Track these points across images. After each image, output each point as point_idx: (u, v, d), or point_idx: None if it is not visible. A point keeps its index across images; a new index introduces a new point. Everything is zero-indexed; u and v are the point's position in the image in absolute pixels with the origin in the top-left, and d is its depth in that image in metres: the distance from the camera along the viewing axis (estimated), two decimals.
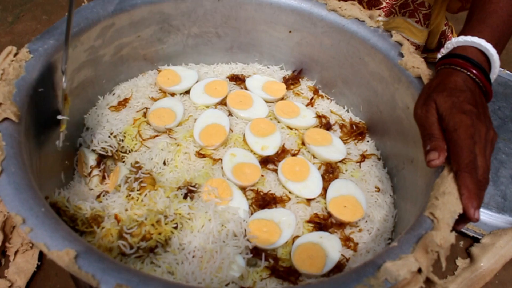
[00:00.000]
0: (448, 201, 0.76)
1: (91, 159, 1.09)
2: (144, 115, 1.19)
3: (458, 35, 0.92)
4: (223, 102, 1.27)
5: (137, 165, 1.05)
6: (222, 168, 1.09)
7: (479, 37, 0.89)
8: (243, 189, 1.07)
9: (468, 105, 0.81)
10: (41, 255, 1.10)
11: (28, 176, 0.76)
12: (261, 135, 1.17)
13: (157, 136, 1.15)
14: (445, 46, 0.94)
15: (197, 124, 1.16)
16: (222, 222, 0.95)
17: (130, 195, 0.97)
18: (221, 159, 1.11)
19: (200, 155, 1.12)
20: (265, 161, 1.13)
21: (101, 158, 1.10)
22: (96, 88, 1.18)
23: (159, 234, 0.89)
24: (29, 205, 0.71)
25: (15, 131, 0.81)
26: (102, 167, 1.09)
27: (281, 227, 0.99)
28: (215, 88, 1.28)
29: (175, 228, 0.92)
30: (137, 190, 0.98)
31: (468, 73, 0.86)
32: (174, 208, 0.95)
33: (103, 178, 1.09)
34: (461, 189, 0.76)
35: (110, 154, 1.11)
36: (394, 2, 1.41)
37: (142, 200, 0.96)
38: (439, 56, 0.95)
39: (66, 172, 1.09)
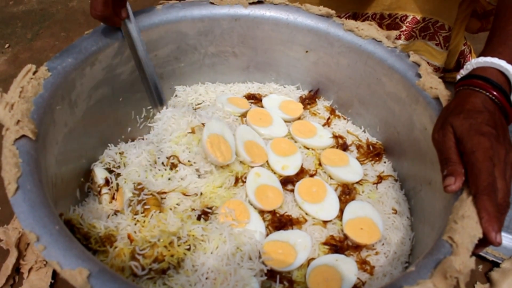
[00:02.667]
0: (467, 225, 0.74)
1: (100, 178, 1.08)
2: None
3: (478, 56, 0.91)
4: (243, 115, 1.28)
5: (139, 186, 1.04)
6: (245, 187, 1.09)
7: (500, 58, 0.87)
8: (261, 211, 1.06)
9: (487, 126, 0.79)
10: (55, 273, 1.09)
11: (43, 193, 0.76)
12: (282, 154, 1.17)
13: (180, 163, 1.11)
14: (464, 67, 0.93)
15: (237, 140, 1.15)
16: (237, 245, 0.94)
17: (135, 218, 0.97)
18: (243, 180, 1.11)
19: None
20: (285, 182, 1.13)
21: (111, 177, 1.10)
22: (113, 105, 1.19)
23: (172, 256, 0.89)
24: (43, 223, 0.71)
25: (32, 148, 0.82)
26: (111, 185, 1.08)
27: (296, 249, 0.98)
28: (237, 102, 1.30)
29: (188, 249, 0.91)
30: (142, 213, 0.97)
31: (488, 94, 0.85)
32: (188, 229, 0.94)
33: (113, 198, 1.08)
34: (480, 213, 0.74)
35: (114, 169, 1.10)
36: (414, 26, 1.41)
37: (149, 222, 0.96)
38: (458, 77, 0.94)
39: (82, 189, 1.09)
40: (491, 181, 0.75)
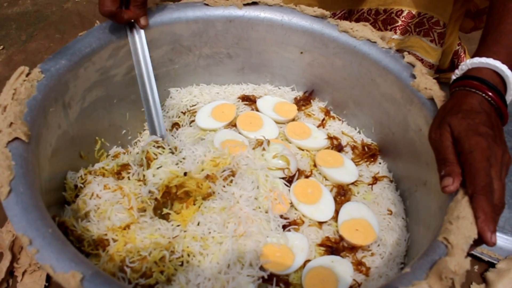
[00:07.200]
0: (462, 226, 0.74)
1: None
2: None
3: (473, 56, 0.90)
4: (232, 124, 1.27)
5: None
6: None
7: (494, 58, 0.87)
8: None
9: (484, 127, 0.79)
10: (49, 276, 1.09)
11: (36, 196, 0.76)
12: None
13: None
14: (459, 67, 0.92)
15: (216, 139, 1.16)
16: (239, 256, 0.92)
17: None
18: None
19: None
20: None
21: None
22: (107, 107, 1.18)
23: (161, 272, 0.86)
24: (36, 226, 0.70)
25: (25, 151, 0.81)
26: None
27: (294, 251, 0.98)
28: (223, 111, 1.28)
29: (181, 265, 0.89)
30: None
31: (484, 95, 0.85)
32: (184, 246, 0.91)
33: None
34: (477, 212, 0.74)
35: None
36: (409, 21, 1.40)
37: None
38: (453, 77, 0.94)
39: None
40: (488, 182, 0.75)
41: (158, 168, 1.04)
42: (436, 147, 0.84)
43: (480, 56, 0.89)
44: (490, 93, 0.84)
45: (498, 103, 0.85)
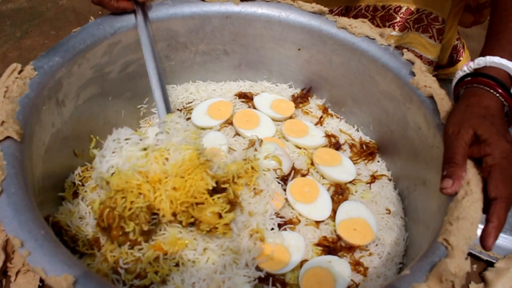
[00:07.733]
0: (462, 227, 0.73)
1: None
2: None
3: (484, 52, 0.90)
4: (228, 122, 1.25)
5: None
6: None
7: None
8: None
9: (510, 135, 0.80)
10: None
11: (28, 197, 0.75)
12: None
13: None
14: (475, 61, 0.91)
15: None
16: (235, 258, 0.92)
17: None
18: None
19: None
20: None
21: None
22: (102, 105, 1.17)
23: (156, 273, 0.85)
24: (28, 228, 0.69)
25: (17, 150, 0.80)
26: None
27: (290, 250, 0.96)
28: (219, 109, 1.27)
29: (176, 265, 0.88)
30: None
31: (503, 100, 0.85)
32: (180, 254, 0.90)
33: None
34: (492, 217, 0.74)
35: None
36: (408, 17, 1.39)
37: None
38: (467, 70, 0.92)
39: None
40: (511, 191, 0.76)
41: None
42: (449, 143, 0.83)
43: (501, 56, 0.88)
44: (507, 97, 0.85)
45: (510, 105, 0.86)
